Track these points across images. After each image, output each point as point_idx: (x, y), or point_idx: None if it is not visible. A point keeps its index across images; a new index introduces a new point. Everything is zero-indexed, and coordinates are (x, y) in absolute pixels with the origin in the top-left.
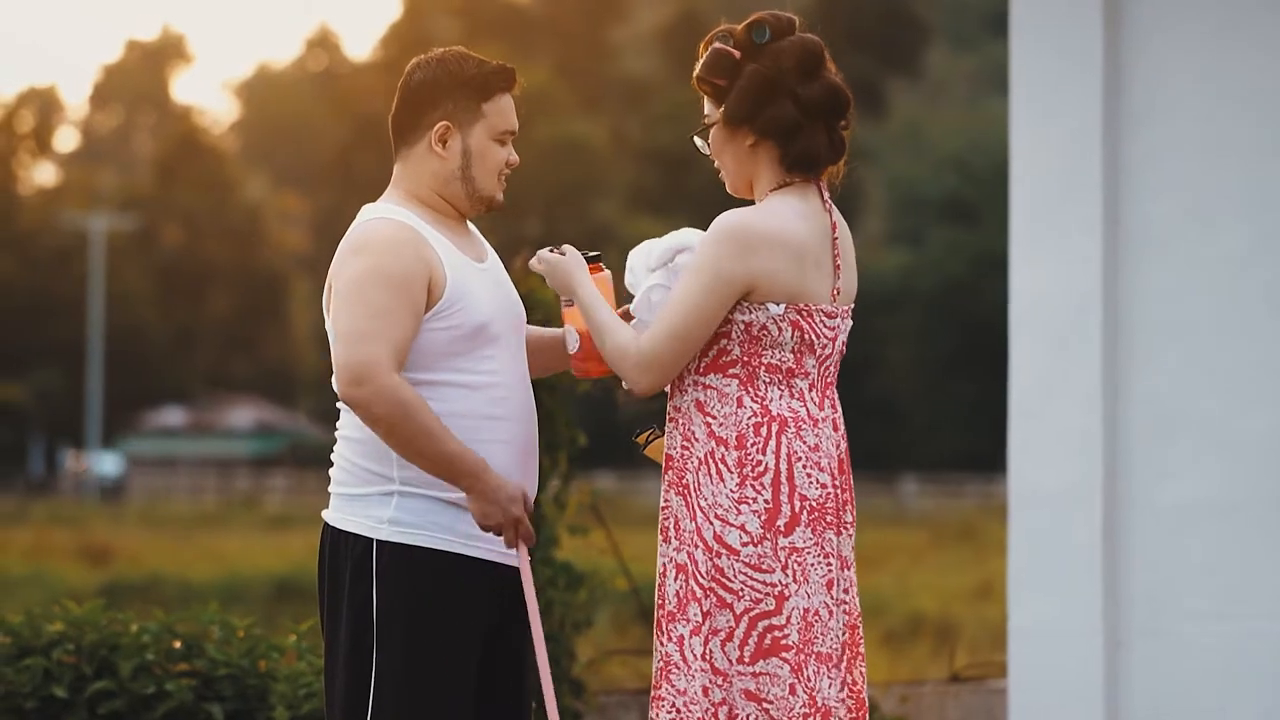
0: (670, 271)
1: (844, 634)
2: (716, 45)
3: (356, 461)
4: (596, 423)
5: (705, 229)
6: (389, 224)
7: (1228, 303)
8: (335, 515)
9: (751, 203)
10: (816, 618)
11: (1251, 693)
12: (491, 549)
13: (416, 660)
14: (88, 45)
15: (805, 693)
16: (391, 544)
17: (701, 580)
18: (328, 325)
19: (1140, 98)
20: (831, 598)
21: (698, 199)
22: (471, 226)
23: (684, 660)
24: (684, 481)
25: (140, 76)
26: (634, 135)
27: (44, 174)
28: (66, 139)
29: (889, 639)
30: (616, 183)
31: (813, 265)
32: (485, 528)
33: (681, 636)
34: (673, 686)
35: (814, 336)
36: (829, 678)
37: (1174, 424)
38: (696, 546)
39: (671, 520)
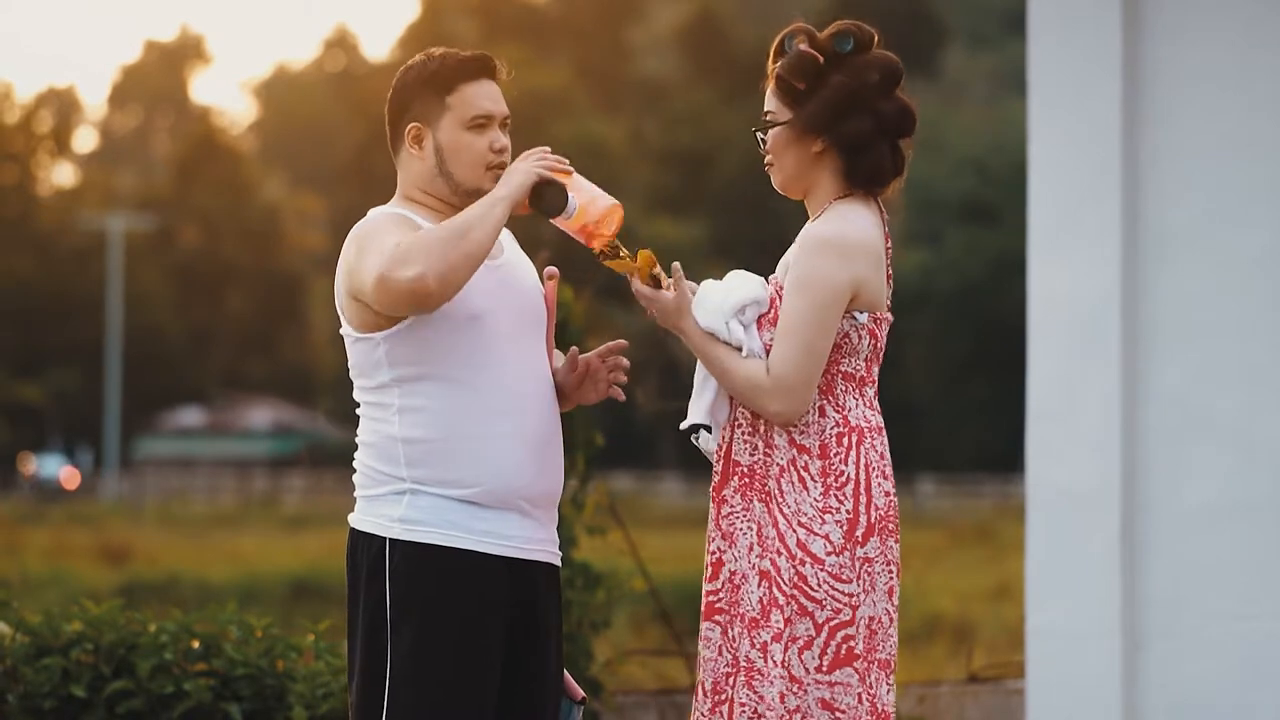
0: (740, 324)
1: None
2: (801, 48)
3: (370, 464)
4: (614, 424)
5: (728, 232)
6: (383, 215)
7: (1247, 304)
8: (355, 517)
9: (798, 203)
10: (879, 625)
11: (1271, 693)
12: (508, 545)
13: (430, 657)
14: (106, 46)
15: (868, 700)
16: (404, 542)
17: (784, 588)
18: (342, 330)
19: (1160, 98)
20: (891, 605)
21: (715, 200)
22: None
23: (766, 667)
24: (765, 489)
25: (159, 77)
26: (652, 136)
27: (63, 174)
28: (85, 139)
29: (907, 639)
30: (634, 183)
31: (886, 275)
32: (529, 196)
33: (765, 643)
34: (754, 692)
35: (881, 345)
36: (887, 684)
37: (1192, 425)
38: (780, 554)
39: (753, 527)
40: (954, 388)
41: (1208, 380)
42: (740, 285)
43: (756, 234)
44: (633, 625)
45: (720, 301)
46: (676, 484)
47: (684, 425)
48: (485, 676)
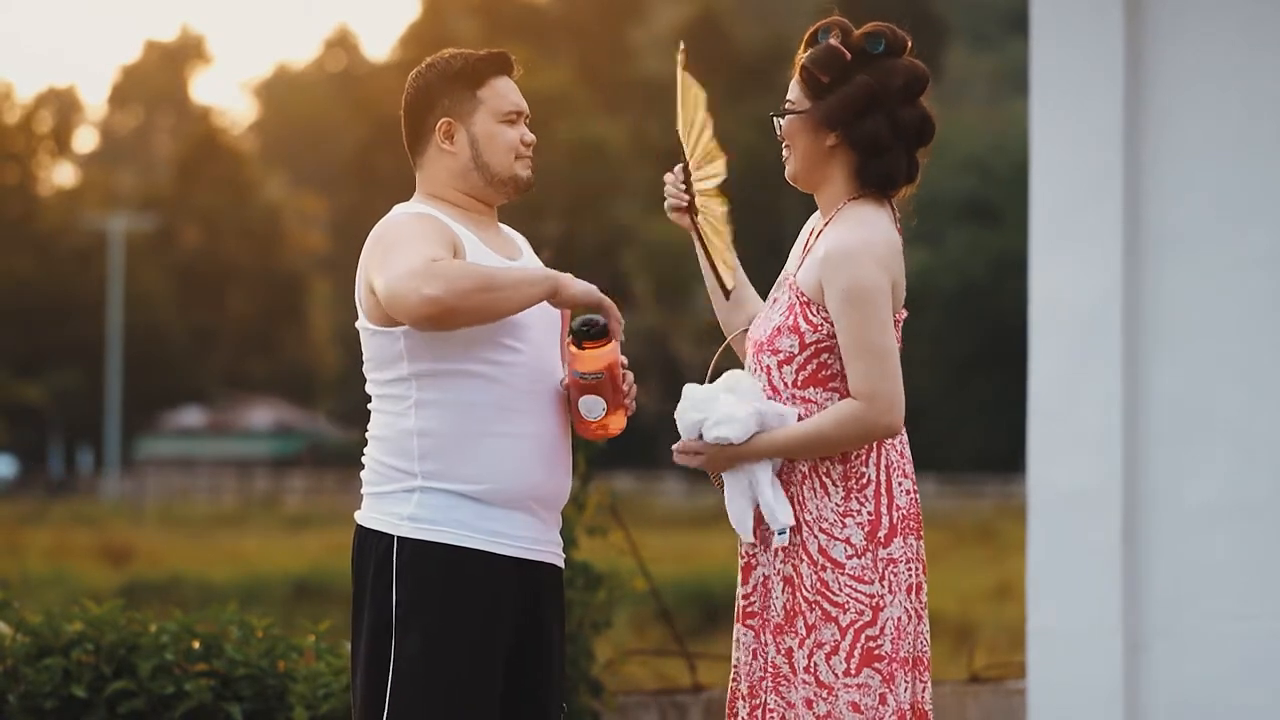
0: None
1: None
2: (831, 42)
3: (381, 459)
4: None
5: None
6: (410, 214)
7: (1248, 303)
8: (363, 514)
9: (798, 204)
10: (903, 624)
11: (1272, 693)
12: (516, 545)
13: (433, 656)
14: (107, 46)
15: (894, 701)
16: (412, 540)
17: (807, 594)
18: (359, 323)
19: (1161, 98)
20: (917, 601)
21: None
22: (505, 227)
23: (791, 673)
24: (788, 494)
25: (159, 77)
26: (654, 136)
27: (63, 175)
28: (86, 140)
29: None
30: (636, 184)
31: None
32: (586, 305)
33: (790, 649)
34: (782, 699)
35: (900, 343)
36: (920, 681)
37: (1193, 424)
38: (802, 560)
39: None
40: (955, 388)
41: (1208, 380)
42: (721, 389)
43: (756, 234)
44: (634, 625)
45: (729, 401)
46: (677, 484)
47: (781, 530)
48: (492, 677)
